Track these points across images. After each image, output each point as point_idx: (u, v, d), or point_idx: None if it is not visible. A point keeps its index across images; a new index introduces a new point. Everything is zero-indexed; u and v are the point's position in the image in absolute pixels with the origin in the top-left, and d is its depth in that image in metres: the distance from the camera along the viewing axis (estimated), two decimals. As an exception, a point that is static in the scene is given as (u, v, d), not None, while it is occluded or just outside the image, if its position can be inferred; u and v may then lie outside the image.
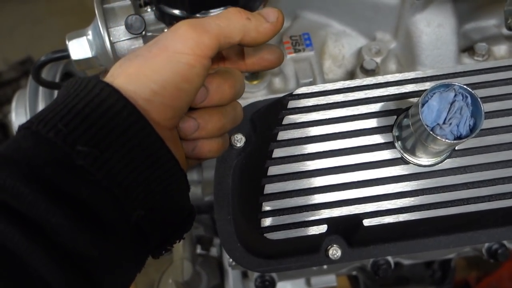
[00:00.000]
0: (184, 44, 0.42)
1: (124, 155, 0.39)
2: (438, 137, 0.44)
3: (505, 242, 0.80)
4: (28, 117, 0.86)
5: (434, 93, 0.45)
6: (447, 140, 0.44)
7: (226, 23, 0.44)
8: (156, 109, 0.41)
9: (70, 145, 0.37)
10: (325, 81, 0.71)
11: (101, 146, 0.38)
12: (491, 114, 0.53)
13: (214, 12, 0.64)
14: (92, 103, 0.39)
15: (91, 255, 0.37)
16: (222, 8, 0.64)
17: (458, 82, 0.46)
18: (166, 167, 0.42)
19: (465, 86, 0.45)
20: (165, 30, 0.66)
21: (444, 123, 0.45)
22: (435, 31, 0.65)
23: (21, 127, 0.39)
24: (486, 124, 0.52)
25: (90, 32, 0.64)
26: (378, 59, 0.69)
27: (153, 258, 0.46)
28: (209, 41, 0.43)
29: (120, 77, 0.41)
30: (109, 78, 0.42)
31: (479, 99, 0.44)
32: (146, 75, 0.41)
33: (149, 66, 0.41)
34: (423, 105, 0.45)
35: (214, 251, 0.99)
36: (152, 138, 0.40)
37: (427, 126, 0.44)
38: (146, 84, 0.41)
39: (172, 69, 0.42)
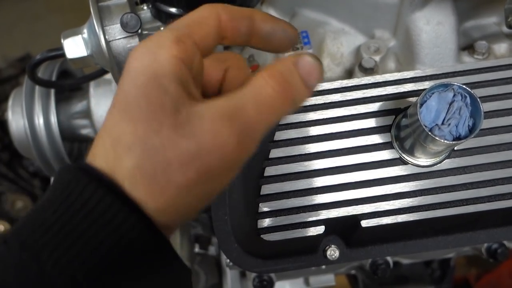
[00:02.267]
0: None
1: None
2: (437, 138, 0.43)
3: (504, 241, 0.80)
4: (25, 116, 0.85)
5: (432, 93, 0.45)
6: (445, 141, 0.43)
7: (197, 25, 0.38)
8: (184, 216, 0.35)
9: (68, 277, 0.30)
10: (323, 79, 0.70)
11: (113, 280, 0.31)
12: (490, 114, 0.52)
13: (211, 10, 0.63)
14: (110, 235, 0.31)
15: None
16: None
17: (457, 81, 0.46)
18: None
19: (464, 86, 0.44)
20: (161, 29, 0.65)
21: (443, 123, 0.44)
22: (434, 29, 0.64)
23: (13, 246, 0.31)
24: (486, 124, 0.52)
25: (85, 31, 0.63)
26: (377, 58, 0.68)
27: None
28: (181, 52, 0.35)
29: (139, 187, 0.32)
30: (122, 182, 0.33)
31: (478, 99, 0.44)
32: (183, 211, 0.34)
33: (189, 201, 0.34)
34: (421, 105, 0.44)
35: (212, 250, 0.99)
36: (177, 263, 0.34)
37: (426, 126, 0.44)
38: (179, 218, 0.34)
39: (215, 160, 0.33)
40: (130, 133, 0.33)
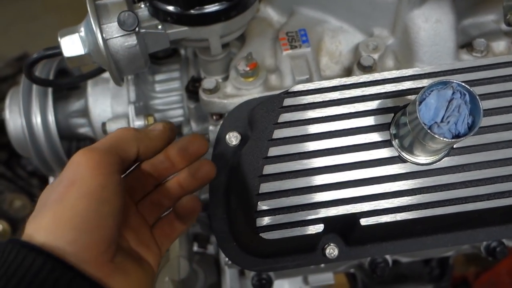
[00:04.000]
0: (87, 168, 0.41)
1: None
2: (436, 136, 0.43)
3: (503, 240, 0.80)
4: (22, 115, 0.85)
5: (431, 91, 0.45)
6: (445, 139, 0.43)
7: (118, 139, 0.46)
8: (85, 247, 0.40)
9: None
10: (322, 78, 0.70)
11: None
12: (489, 112, 0.52)
13: (208, 8, 0.63)
14: (9, 270, 0.37)
15: None
16: (216, 4, 0.63)
17: (456, 79, 0.45)
18: None
19: (463, 84, 0.44)
20: (159, 27, 0.65)
21: (442, 121, 0.44)
22: (433, 27, 0.64)
23: None
24: (485, 121, 0.51)
25: (82, 29, 0.63)
26: (376, 56, 0.68)
27: None
28: (109, 158, 0.43)
29: (38, 232, 0.40)
30: (27, 237, 0.40)
31: (477, 97, 0.44)
32: (63, 219, 0.40)
33: (62, 208, 0.40)
34: (420, 103, 0.44)
35: (211, 249, 0.99)
36: (85, 284, 0.38)
37: (425, 124, 0.44)
38: (66, 228, 0.39)
39: (87, 200, 0.41)
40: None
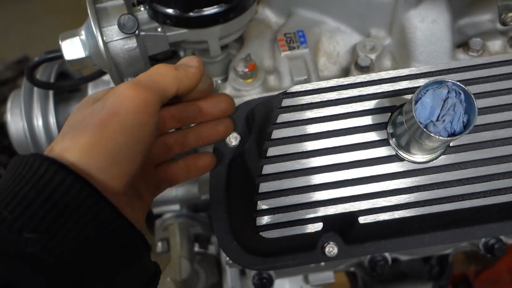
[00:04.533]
0: (133, 103, 0.42)
1: (77, 235, 0.37)
2: (432, 134, 0.44)
3: (502, 237, 0.81)
4: (24, 118, 0.86)
5: (427, 90, 0.45)
6: (440, 137, 0.44)
7: (160, 77, 0.46)
8: (112, 177, 0.41)
9: (16, 233, 0.35)
10: (320, 78, 0.71)
11: (52, 230, 0.36)
12: (485, 110, 0.53)
13: (207, 10, 0.64)
14: (38, 184, 0.37)
15: None
16: (215, 7, 0.64)
17: (452, 78, 0.46)
18: (122, 238, 0.41)
19: (458, 83, 0.45)
20: (159, 30, 0.66)
21: (437, 120, 0.45)
22: (429, 27, 0.65)
23: None
24: (480, 120, 0.52)
25: (83, 32, 0.64)
26: (373, 56, 0.68)
27: None
28: (153, 96, 0.43)
29: (72, 151, 0.40)
30: (57, 152, 0.40)
31: (472, 96, 0.44)
32: (101, 145, 0.40)
33: (103, 135, 0.40)
34: (416, 102, 0.45)
35: (212, 249, 0.99)
36: (107, 210, 0.39)
37: (421, 123, 0.44)
38: (101, 155, 0.40)
39: (126, 134, 0.41)
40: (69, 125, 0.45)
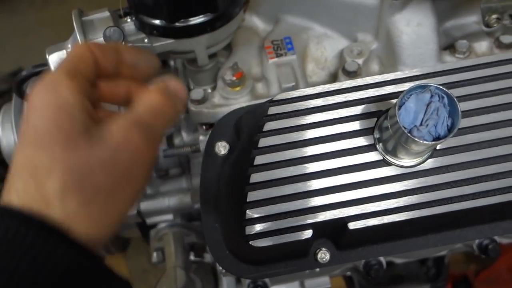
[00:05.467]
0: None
1: None
2: (416, 139, 0.44)
3: (496, 237, 0.80)
4: (15, 132, 0.85)
5: (410, 95, 0.45)
6: (425, 141, 0.44)
7: (79, 60, 0.43)
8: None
9: None
10: (308, 84, 0.71)
11: None
12: (471, 112, 0.53)
13: (194, 20, 0.64)
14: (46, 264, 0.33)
15: None
16: (201, 16, 0.64)
17: (438, 81, 0.46)
18: None
19: (441, 87, 0.45)
20: (146, 40, 0.66)
21: (421, 124, 0.45)
22: (415, 30, 0.65)
23: None
24: (466, 122, 0.52)
25: (69, 46, 0.64)
26: (360, 60, 0.69)
27: None
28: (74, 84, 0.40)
29: (81, 221, 0.36)
30: (63, 217, 0.35)
31: (455, 99, 0.45)
32: (113, 217, 0.39)
33: (116, 206, 0.39)
34: (400, 107, 0.45)
35: (208, 258, 0.99)
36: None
37: (405, 128, 0.44)
38: (111, 226, 0.39)
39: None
40: (48, 158, 0.36)
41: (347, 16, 0.70)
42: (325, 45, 0.73)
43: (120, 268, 1.77)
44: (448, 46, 0.70)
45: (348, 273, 0.99)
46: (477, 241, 0.79)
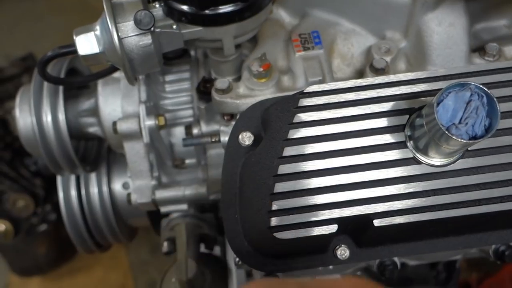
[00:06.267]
0: None
1: None
2: (454, 137, 0.43)
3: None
4: (33, 113, 0.85)
5: (449, 92, 0.45)
6: (462, 140, 0.43)
7: None
8: None
9: None
10: (334, 79, 0.70)
11: None
12: (504, 115, 0.52)
13: (223, 8, 0.64)
14: None
15: None
16: (231, 5, 0.63)
17: (471, 82, 0.46)
18: None
19: (481, 86, 0.44)
20: (174, 27, 0.65)
21: (460, 122, 0.44)
22: (446, 31, 0.64)
23: None
24: (499, 124, 0.52)
25: (98, 27, 0.64)
26: (388, 58, 0.68)
27: None
28: None
29: None
30: None
31: (495, 99, 0.44)
32: None
33: None
34: (438, 104, 0.44)
35: (217, 250, 0.99)
36: None
37: (442, 125, 0.44)
38: None
39: None
40: None
41: (377, 13, 0.69)
42: (353, 41, 0.72)
43: (120, 260, 1.78)
44: (478, 49, 0.69)
45: (359, 273, 0.99)
46: (493, 246, 0.79)
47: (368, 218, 0.52)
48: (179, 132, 0.89)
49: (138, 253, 1.82)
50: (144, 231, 1.34)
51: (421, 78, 0.54)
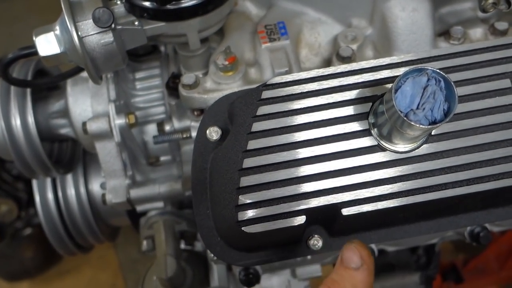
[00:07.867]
0: None
1: None
2: (412, 123, 0.43)
3: (486, 225, 0.81)
4: (1, 117, 0.84)
5: (407, 78, 0.45)
6: (421, 125, 0.43)
7: None
8: None
9: None
10: (301, 69, 0.70)
11: None
12: (466, 98, 0.52)
13: (185, 2, 0.63)
14: None
15: None
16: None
17: (433, 66, 0.45)
18: None
19: (438, 70, 0.44)
20: (136, 23, 0.64)
21: (417, 108, 0.44)
22: (410, 16, 0.64)
23: None
24: (462, 108, 0.52)
25: (57, 27, 0.62)
26: (354, 46, 0.68)
27: None
28: None
29: None
30: None
31: (452, 83, 0.44)
32: None
33: None
34: (396, 90, 0.44)
35: (198, 246, 0.98)
36: None
37: (401, 112, 0.44)
38: None
39: None
40: None
41: (342, 1, 0.69)
42: (319, 31, 0.72)
43: (109, 259, 1.77)
44: (443, 33, 0.69)
45: (339, 261, 0.99)
46: (468, 228, 0.79)
47: (336, 208, 0.52)
48: (152, 130, 0.89)
49: (127, 252, 1.82)
50: (132, 230, 1.34)
51: (383, 65, 0.53)
